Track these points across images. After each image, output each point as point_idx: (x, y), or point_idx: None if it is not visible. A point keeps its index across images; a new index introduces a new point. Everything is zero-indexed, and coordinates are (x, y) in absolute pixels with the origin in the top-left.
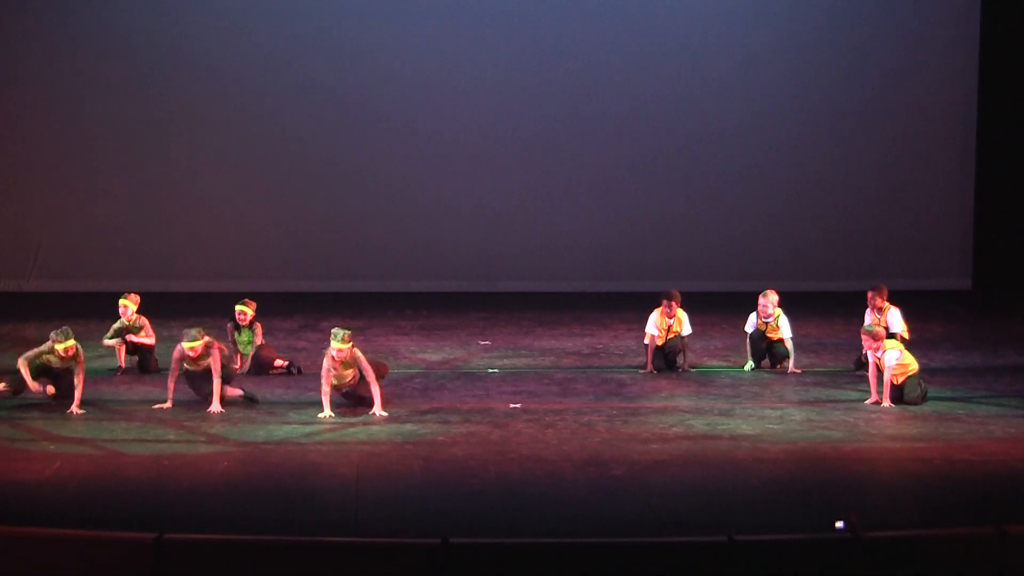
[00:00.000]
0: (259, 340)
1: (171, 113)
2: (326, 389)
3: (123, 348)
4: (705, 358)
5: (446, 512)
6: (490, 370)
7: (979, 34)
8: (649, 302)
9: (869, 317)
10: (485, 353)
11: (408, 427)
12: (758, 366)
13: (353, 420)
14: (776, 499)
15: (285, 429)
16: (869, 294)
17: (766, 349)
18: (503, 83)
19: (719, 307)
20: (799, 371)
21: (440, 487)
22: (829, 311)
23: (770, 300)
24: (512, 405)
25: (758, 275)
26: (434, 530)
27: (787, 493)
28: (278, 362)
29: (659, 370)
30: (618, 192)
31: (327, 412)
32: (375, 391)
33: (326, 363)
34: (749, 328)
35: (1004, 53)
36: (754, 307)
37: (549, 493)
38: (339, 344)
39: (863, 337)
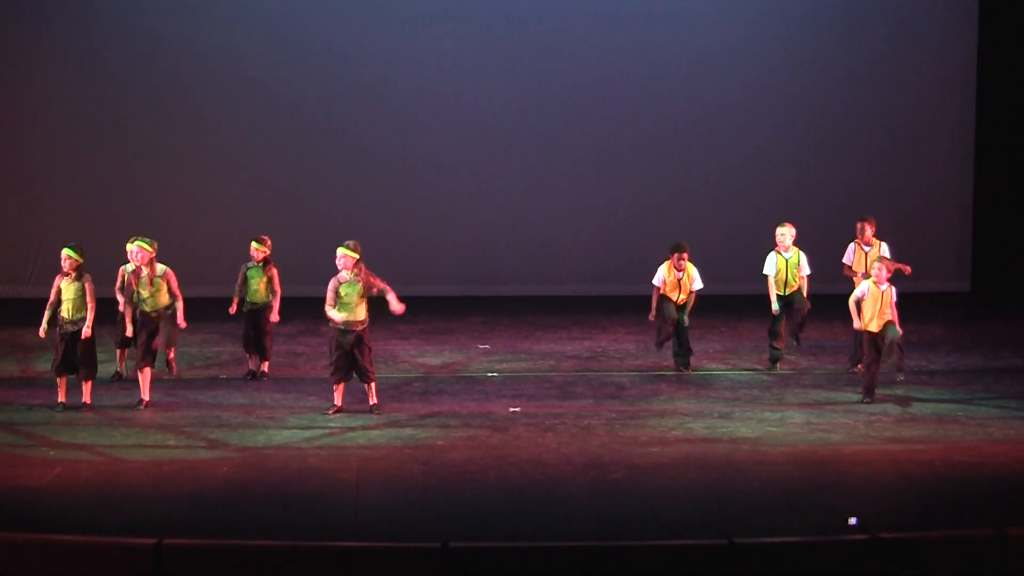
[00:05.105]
0: (276, 286)
1: (169, 118)
2: (332, 315)
3: (122, 355)
4: (705, 361)
5: (446, 516)
6: (489, 374)
7: (977, 35)
8: (648, 305)
9: (853, 251)
10: (484, 357)
11: (408, 431)
12: (781, 312)
13: (353, 425)
14: (776, 502)
15: (285, 434)
16: (858, 225)
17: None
18: (502, 88)
19: (718, 310)
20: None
21: (440, 491)
22: (828, 314)
23: (788, 232)
24: (511, 409)
25: (757, 277)
26: (434, 534)
27: (787, 496)
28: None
29: (669, 326)
30: (617, 195)
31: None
32: (391, 297)
33: (332, 283)
34: (770, 269)
35: (1002, 55)
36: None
37: (549, 496)
38: (347, 251)
39: (878, 266)
